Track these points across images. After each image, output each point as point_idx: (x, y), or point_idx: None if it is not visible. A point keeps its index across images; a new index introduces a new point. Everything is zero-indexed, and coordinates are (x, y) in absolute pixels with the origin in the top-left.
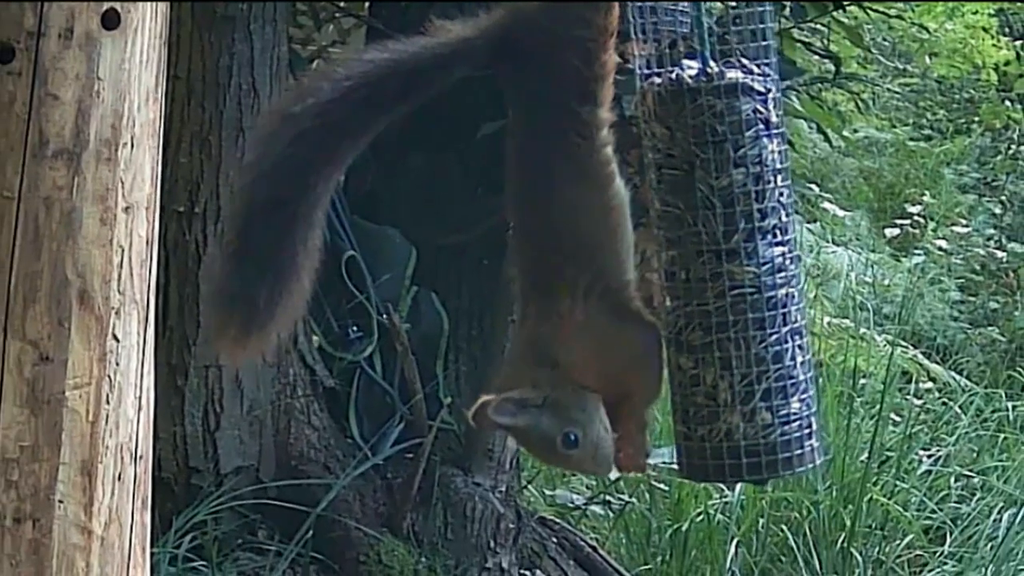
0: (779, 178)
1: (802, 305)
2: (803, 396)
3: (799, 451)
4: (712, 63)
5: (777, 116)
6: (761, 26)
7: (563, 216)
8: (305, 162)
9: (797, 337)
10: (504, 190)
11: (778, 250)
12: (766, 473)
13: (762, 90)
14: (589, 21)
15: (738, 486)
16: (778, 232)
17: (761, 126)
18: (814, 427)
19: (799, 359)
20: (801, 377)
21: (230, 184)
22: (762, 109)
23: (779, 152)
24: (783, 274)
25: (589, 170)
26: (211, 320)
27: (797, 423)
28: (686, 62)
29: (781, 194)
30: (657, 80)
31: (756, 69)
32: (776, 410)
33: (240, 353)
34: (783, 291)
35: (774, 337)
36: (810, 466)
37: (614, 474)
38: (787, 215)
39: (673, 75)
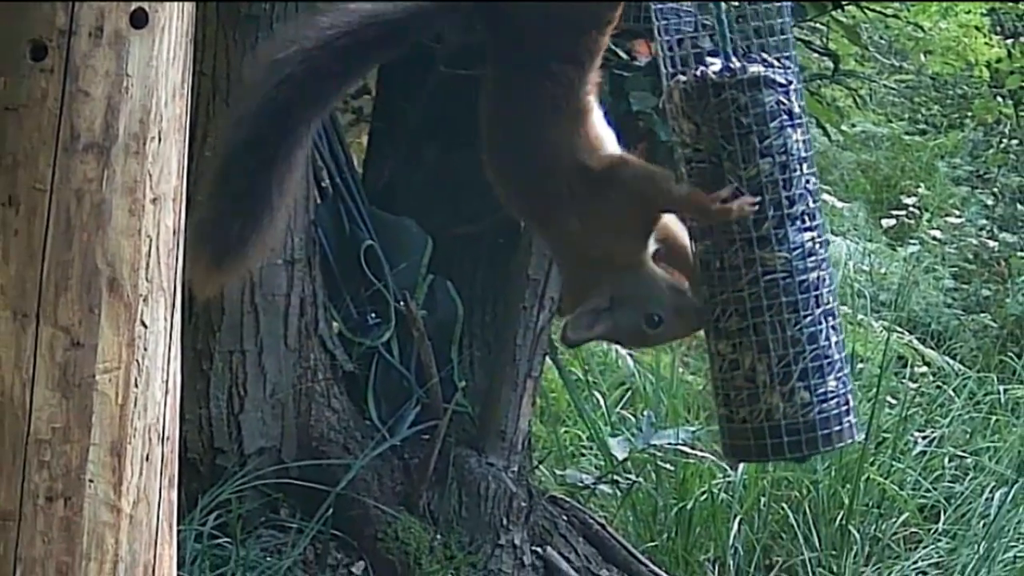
0: (804, 166)
1: (833, 287)
2: (839, 375)
3: (838, 428)
4: (734, 59)
5: (799, 106)
6: (779, 21)
7: (540, 146)
8: (288, 104)
9: (830, 318)
10: (479, 131)
11: (807, 235)
12: (807, 450)
13: (783, 82)
14: (591, 10)
15: (740, 467)
16: (806, 218)
17: (785, 116)
18: (851, 404)
19: (833, 339)
20: (836, 356)
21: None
22: (784, 100)
23: (803, 141)
24: (813, 258)
25: (561, 105)
26: (188, 251)
27: (835, 400)
28: (709, 59)
29: (807, 181)
30: (682, 77)
31: (776, 62)
32: (814, 389)
33: (210, 282)
34: (814, 274)
35: (808, 319)
36: (849, 441)
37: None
38: (814, 201)
39: (697, 72)
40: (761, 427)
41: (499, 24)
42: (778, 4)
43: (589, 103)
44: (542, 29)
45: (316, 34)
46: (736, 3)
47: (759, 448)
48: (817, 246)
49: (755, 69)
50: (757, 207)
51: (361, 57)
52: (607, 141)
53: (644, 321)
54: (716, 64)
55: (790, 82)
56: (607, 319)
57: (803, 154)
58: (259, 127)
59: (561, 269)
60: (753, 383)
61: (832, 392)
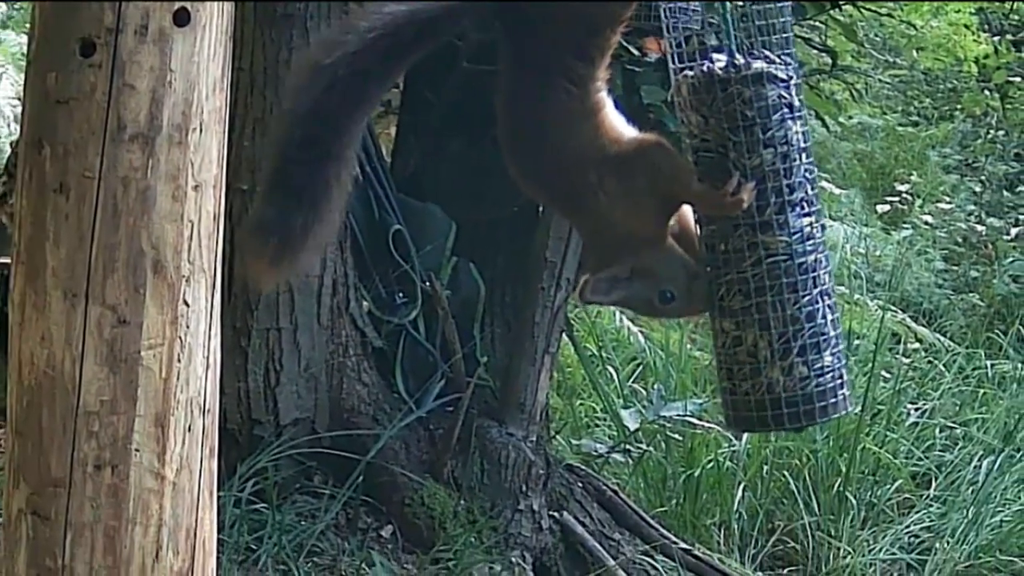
0: (804, 156)
1: (830, 268)
2: (835, 350)
3: (833, 400)
4: (739, 55)
5: (799, 100)
6: (780, 20)
7: (558, 150)
8: (337, 106)
9: (826, 298)
10: (497, 129)
11: (806, 220)
12: (804, 420)
13: (785, 77)
14: (605, 7)
15: (744, 437)
16: (805, 204)
17: (786, 110)
18: (845, 378)
19: (829, 317)
20: (832, 333)
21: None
22: (786, 94)
23: (802, 133)
24: (812, 241)
25: (577, 106)
26: (248, 247)
27: (830, 375)
28: (715, 55)
29: (807, 170)
30: (690, 73)
31: (778, 59)
32: (811, 364)
33: (272, 277)
34: (812, 257)
35: (806, 298)
36: (843, 412)
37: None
38: (812, 189)
39: (704, 67)
40: (762, 399)
41: (516, 23)
42: (779, 4)
43: (602, 98)
44: (558, 28)
45: (358, 37)
46: (740, 3)
47: (760, 419)
48: (815, 230)
49: (758, 65)
50: (760, 195)
51: (400, 56)
52: (621, 129)
53: (657, 296)
54: (722, 60)
55: (791, 77)
56: (624, 288)
57: (802, 145)
58: (312, 127)
59: (586, 241)
60: (755, 358)
61: (828, 367)
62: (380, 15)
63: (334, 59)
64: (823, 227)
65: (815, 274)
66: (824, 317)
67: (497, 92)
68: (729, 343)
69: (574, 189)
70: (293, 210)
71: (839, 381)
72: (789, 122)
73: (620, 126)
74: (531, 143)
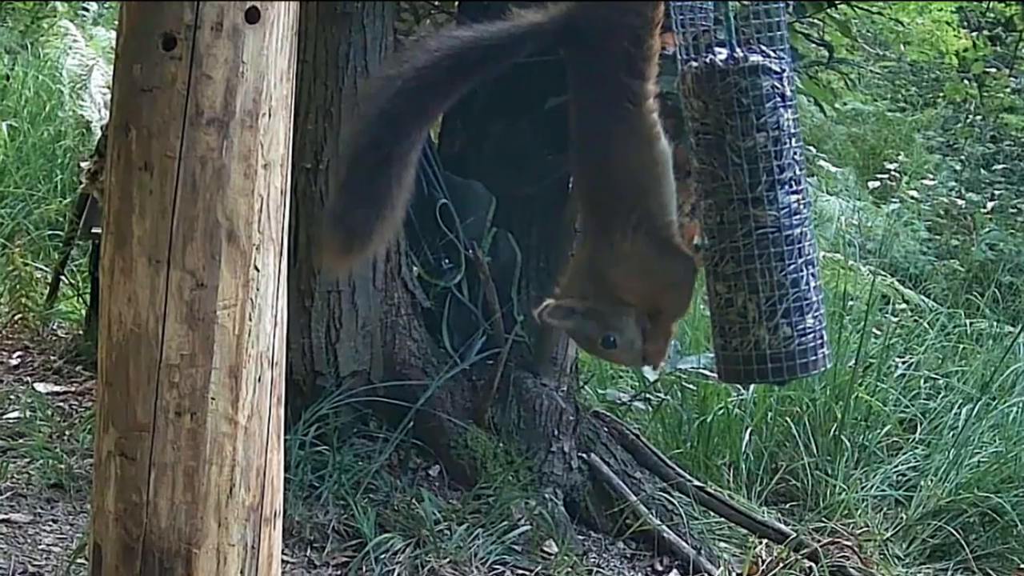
0: (793, 140)
1: (813, 241)
2: (816, 314)
3: (813, 358)
4: (738, 49)
5: (791, 90)
6: (776, 19)
7: (617, 167)
8: (401, 114)
9: (810, 267)
10: (568, 150)
11: (793, 197)
12: (787, 375)
13: (778, 70)
14: (640, 12)
15: (751, 387)
16: (793, 183)
17: (778, 99)
18: (824, 339)
19: (812, 284)
20: (814, 298)
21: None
22: (778, 85)
23: (793, 119)
24: (798, 216)
25: (638, 130)
26: (321, 239)
27: (811, 335)
28: (717, 49)
29: (795, 153)
30: (694, 64)
31: (772, 53)
32: (795, 325)
33: (341, 266)
34: (798, 230)
35: (792, 267)
36: (822, 369)
37: (653, 376)
38: (800, 169)
39: (707, 59)
40: (750, 355)
41: (575, 46)
42: (775, 5)
43: (656, 123)
44: (609, 44)
45: (425, 55)
46: (742, 3)
47: (747, 373)
48: (802, 207)
49: (755, 58)
50: (752, 173)
51: (463, 75)
52: (670, 186)
53: (601, 339)
54: (723, 54)
55: (783, 70)
56: (577, 321)
57: (792, 130)
58: (378, 133)
59: (577, 264)
60: (744, 318)
61: (810, 328)
62: (449, 37)
63: (402, 72)
64: (809, 204)
65: (800, 245)
66: (807, 284)
67: (569, 113)
68: (722, 304)
69: (611, 215)
70: (359, 207)
71: (819, 341)
72: (781, 110)
73: (669, 183)
74: (594, 161)
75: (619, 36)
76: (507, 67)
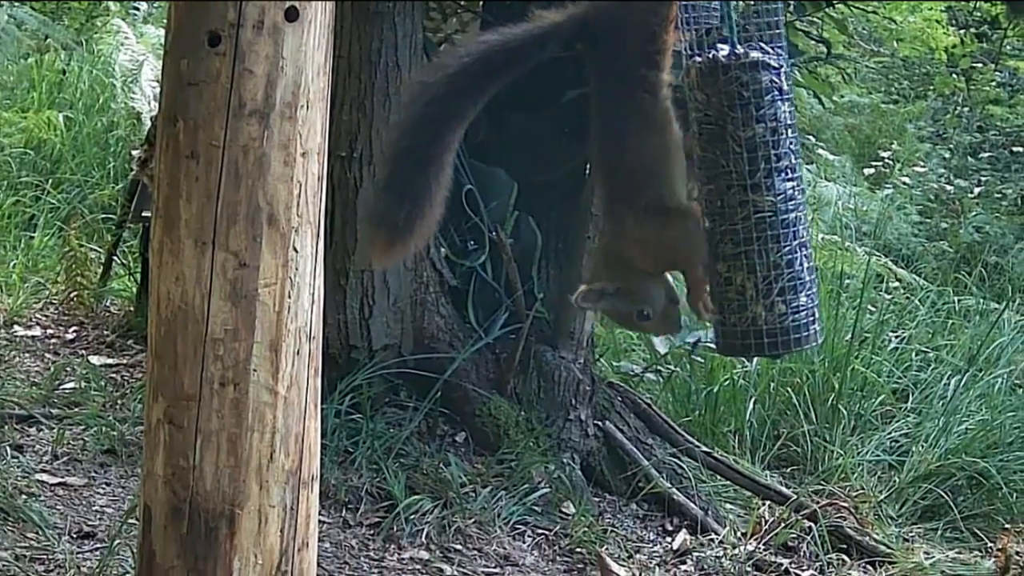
0: (789, 131)
1: (807, 224)
2: (809, 292)
3: (806, 333)
4: (739, 46)
5: (788, 85)
6: (775, 19)
7: (633, 153)
8: (437, 118)
9: (804, 248)
10: (584, 139)
11: (789, 184)
12: (781, 350)
13: (776, 65)
14: (658, 11)
15: (755, 359)
16: (789, 171)
17: (776, 92)
18: (817, 315)
19: (806, 265)
20: (807, 278)
21: (380, 136)
22: (776, 80)
23: (789, 111)
24: (793, 202)
25: (652, 117)
26: (364, 236)
27: (804, 312)
28: (719, 45)
29: (791, 143)
30: (698, 59)
31: (771, 50)
32: (789, 303)
33: (385, 261)
34: (793, 214)
35: (786, 248)
36: (814, 344)
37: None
38: (796, 158)
39: (710, 55)
40: (747, 330)
41: (594, 43)
42: (774, 5)
43: (669, 111)
44: (626, 40)
45: (455, 62)
46: (744, 2)
47: (744, 347)
48: (797, 193)
49: (754, 55)
50: (751, 161)
51: (492, 78)
52: (681, 166)
53: (636, 313)
54: (725, 50)
55: (781, 66)
56: (609, 301)
57: (789, 122)
58: (415, 137)
59: (600, 248)
60: (742, 296)
61: (803, 306)
62: (477, 43)
63: (435, 79)
64: (803, 190)
65: (795, 229)
66: (801, 265)
67: (590, 105)
68: (721, 283)
69: (624, 200)
70: (398, 206)
71: (812, 318)
72: (778, 102)
73: (680, 163)
74: (611, 149)
75: (636, 32)
76: (532, 66)
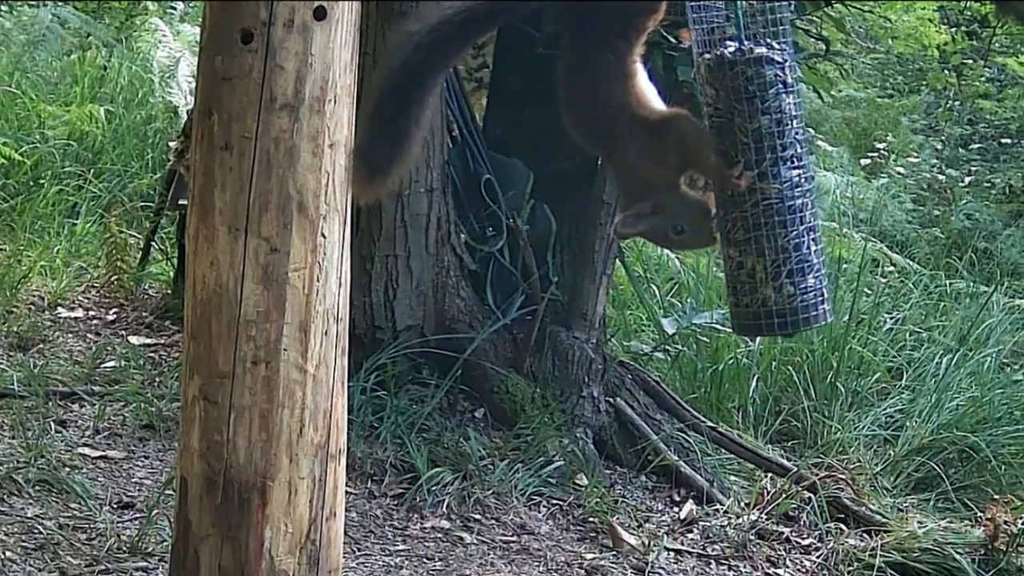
0: (795, 122)
1: (815, 210)
2: (817, 274)
3: (815, 313)
4: (745, 43)
5: (792, 78)
6: (780, 16)
7: (600, 97)
8: (420, 63)
9: (811, 233)
10: (556, 91)
11: (796, 172)
12: (791, 329)
13: (780, 60)
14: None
15: (758, 339)
16: (795, 160)
17: (781, 85)
18: (825, 296)
19: (813, 248)
20: (815, 261)
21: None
22: (781, 74)
23: (794, 104)
24: (800, 188)
25: (616, 70)
26: (350, 169)
27: (813, 293)
28: (727, 42)
29: (797, 133)
30: (707, 56)
31: (776, 46)
32: (797, 284)
33: (366, 194)
34: (800, 201)
35: (794, 233)
36: (823, 323)
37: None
38: (802, 147)
39: (718, 52)
40: (758, 311)
41: (577, 11)
42: (779, 3)
43: (636, 67)
44: (606, 15)
45: (440, 13)
46: (750, 1)
47: (756, 327)
48: (803, 180)
49: (760, 50)
50: (758, 151)
51: (473, 28)
52: (651, 94)
53: (671, 230)
54: (732, 46)
55: (786, 60)
56: (647, 222)
57: (794, 113)
58: (401, 80)
59: (618, 182)
60: (753, 279)
61: (811, 287)
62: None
63: (421, 27)
64: (810, 177)
65: (802, 214)
66: (808, 248)
67: (559, 60)
68: (734, 267)
69: (610, 137)
70: (382, 144)
71: (820, 299)
72: (783, 95)
73: (650, 93)
74: (580, 99)
75: (616, 13)
76: (514, 18)
